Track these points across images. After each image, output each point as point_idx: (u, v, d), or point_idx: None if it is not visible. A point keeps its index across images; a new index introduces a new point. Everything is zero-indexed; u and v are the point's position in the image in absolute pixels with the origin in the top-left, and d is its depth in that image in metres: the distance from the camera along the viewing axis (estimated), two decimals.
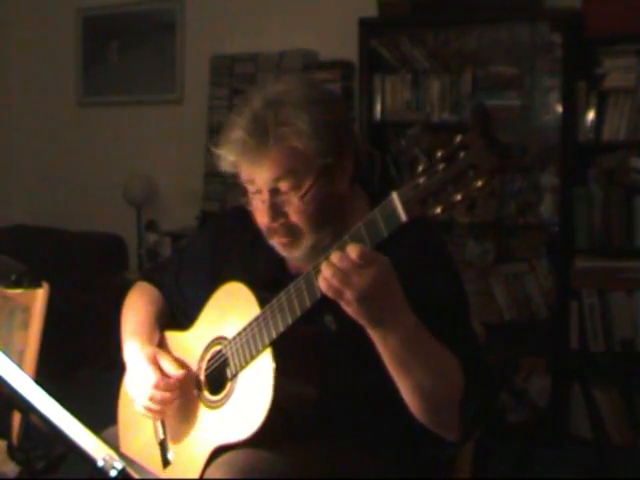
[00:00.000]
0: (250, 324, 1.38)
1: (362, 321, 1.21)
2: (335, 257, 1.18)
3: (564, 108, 3.30)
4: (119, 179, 4.41)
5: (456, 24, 3.59)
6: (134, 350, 1.56)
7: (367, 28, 3.63)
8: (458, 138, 1.13)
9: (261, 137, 1.36)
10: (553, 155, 3.41)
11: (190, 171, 4.29)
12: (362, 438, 1.44)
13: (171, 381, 1.49)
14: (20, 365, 1.57)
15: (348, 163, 1.43)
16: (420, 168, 1.14)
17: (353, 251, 1.16)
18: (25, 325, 1.65)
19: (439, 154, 1.13)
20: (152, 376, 1.49)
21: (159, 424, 1.57)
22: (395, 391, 1.29)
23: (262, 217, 1.43)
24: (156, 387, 1.48)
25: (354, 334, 1.25)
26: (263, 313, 1.36)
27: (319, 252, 1.39)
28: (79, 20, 4.72)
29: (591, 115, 3.28)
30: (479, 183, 1.10)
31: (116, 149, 4.63)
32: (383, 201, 1.18)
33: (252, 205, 1.46)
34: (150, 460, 1.54)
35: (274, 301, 1.34)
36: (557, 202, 3.38)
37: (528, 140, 3.48)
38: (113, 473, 0.94)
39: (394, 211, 1.16)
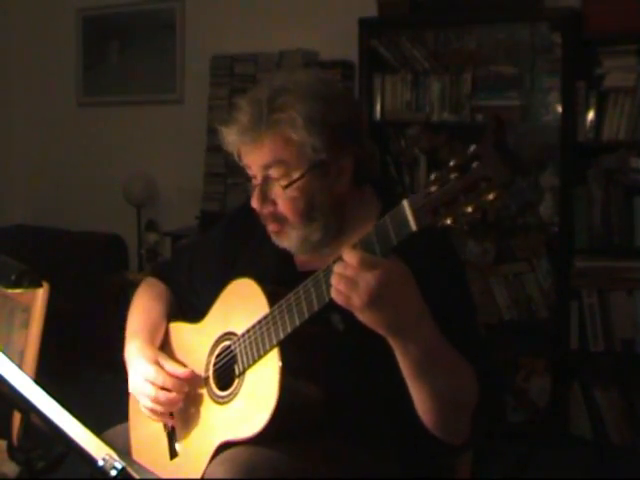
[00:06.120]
0: (259, 322, 1.38)
1: (379, 329, 1.18)
2: (337, 266, 1.17)
3: (564, 108, 3.30)
4: (119, 179, 4.41)
5: (456, 24, 3.58)
6: (135, 350, 1.55)
7: (367, 28, 3.63)
8: (472, 148, 1.09)
9: (256, 121, 1.38)
10: (553, 155, 3.42)
11: (190, 171, 4.29)
12: (367, 438, 1.44)
13: (177, 381, 1.48)
14: (20, 365, 1.57)
15: (347, 164, 1.43)
16: (432, 176, 1.12)
17: (351, 258, 1.16)
18: (25, 325, 1.65)
19: (451, 163, 1.10)
20: (157, 377, 1.48)
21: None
22: (401, 392, 1.29)
23: (254, 200, 1.45)
24: (162, 387, 1.47)
25: (361, 334, 1.24)
26: (272, 312, 1.36)
27: (312, 245, 1.44)
28: (79, 20, 4.73)
29: (591, 115, 3.28)
30: (491, 196, 1.07)
31: (116, 149, 4.63)
32: (394, 208, 1.15)
33: (252, 190, 1.47)
34: (158, 450, 1.55)
35: (283, 301, 1.34)
36: (557, 202, 3.38)
37: (528, 140, 3.49)
38: (113, 473, 0.94)
39: (405, 220, 1.13)
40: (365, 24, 3.62)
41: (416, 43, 3.65)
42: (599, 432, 3.30)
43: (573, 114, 3.28)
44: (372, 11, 3.65)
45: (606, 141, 3.29)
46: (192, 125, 4.30)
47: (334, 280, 1.18)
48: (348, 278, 1.15)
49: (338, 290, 1.17)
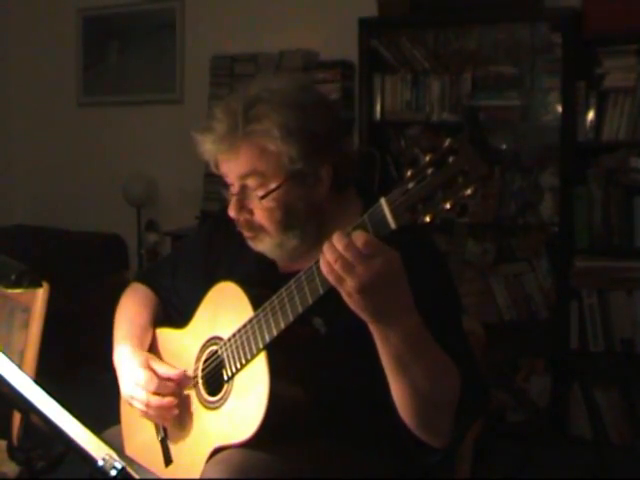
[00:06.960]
0: (244, 326, 1.37)
1: (362, 314, 1.15)
2: (339, 243, 1.12)
3: (564, 108, 3.30)
4: (119, 179, 4.41)
5: (456, 24, 3.59)
6: (125, 355, 1.54)
7: (367, 28, 3.63)
8: (447, 142, 1.07)
9: (232, 131, 1.37)
10: (553, 155, 3.42)
11: (190, 171, 4.29)
12: (355, 439, 1.43)
13: (169, 384, 1.48)
14: (20, 365, 1.58)
15: (326, 172, 1.40)
16: (409, 173, 1.10)
17: (359, 239, 1.11)
18: (25, 325, 1.65)
19: (428, 158, 1.09)
20: (149, 382, 1.47)
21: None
22: (385, 392, 1.27)
23: (231, 209, 1.44)
24: (155, 392, 1.46)
25: (343, 337, 1.23)
26: (256, 316, 1.35)
27: (287, 252, 1.43)
28: (79, 20, 4.73)
29: (591, 115, 3.28)
30: (468, 191, 1.05)
31: (116, 149, 4.63)
32: (372, 207, 1.13)
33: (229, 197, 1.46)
34: (153, 458, 1.55)
35: (267, 305, 1.33)
36: (557, 202, 3.38)
37: (528, 140, 3.49)
38: (113, 473, 0.94)
39: (383, 218, 1.11)
40: (365, 24, 3.62)
41: (416, 43, 3.65)
42: (599, 432, 3.30)
43: (573, 114, 3.28)
44: (372, 11, 3.65)
45: (606, 141, 3.29)
46: (192, 125, 4.24)
47: (330, 256, 1.12)
48: (346, 260, 1.11)
49: (331, 269, 1.13)
